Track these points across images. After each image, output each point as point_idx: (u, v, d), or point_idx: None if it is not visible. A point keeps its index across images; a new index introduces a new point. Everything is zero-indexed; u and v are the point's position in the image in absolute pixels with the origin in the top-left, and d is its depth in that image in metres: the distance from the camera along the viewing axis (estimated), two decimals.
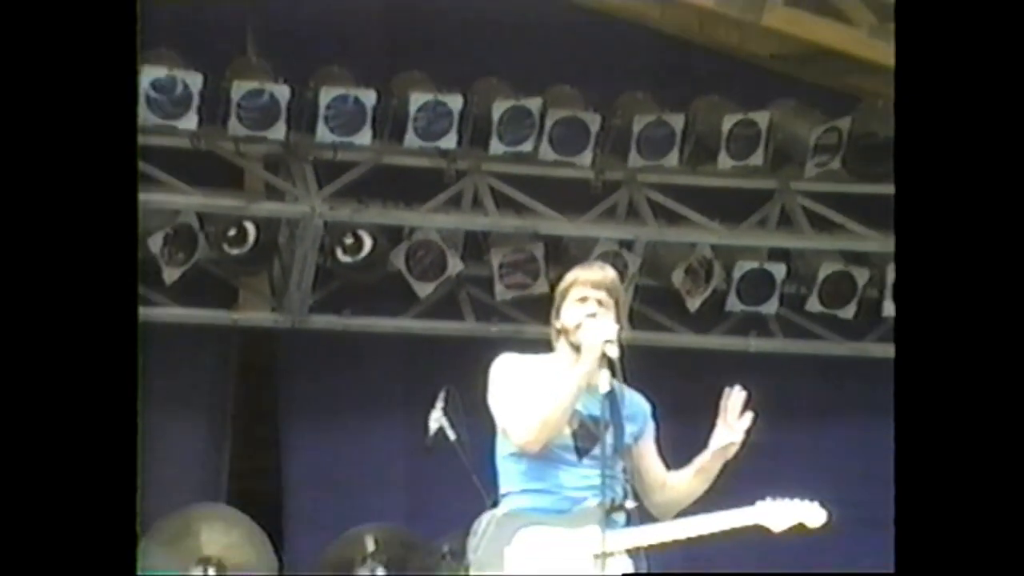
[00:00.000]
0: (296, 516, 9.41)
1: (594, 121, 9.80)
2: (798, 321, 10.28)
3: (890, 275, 10.10)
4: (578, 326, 5.97)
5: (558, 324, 6.06)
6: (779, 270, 10.05)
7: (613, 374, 5.86)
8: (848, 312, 10.19)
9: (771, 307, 10.06)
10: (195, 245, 9.35)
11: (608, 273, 6.16)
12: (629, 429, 5.98)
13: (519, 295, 9.71)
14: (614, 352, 5.87)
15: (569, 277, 6.17)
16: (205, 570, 7.98)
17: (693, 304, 10.01)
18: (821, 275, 10.10)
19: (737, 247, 10.10)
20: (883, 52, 9.51)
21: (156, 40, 9.16)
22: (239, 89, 9.22)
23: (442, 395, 7.35)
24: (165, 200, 9.26)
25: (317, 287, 9.63)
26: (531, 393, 5.97)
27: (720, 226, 10.04)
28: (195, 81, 9.17)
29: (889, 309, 10.15)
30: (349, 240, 9.53)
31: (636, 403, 6.07)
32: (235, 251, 9.51)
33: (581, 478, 5.95)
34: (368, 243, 9.61)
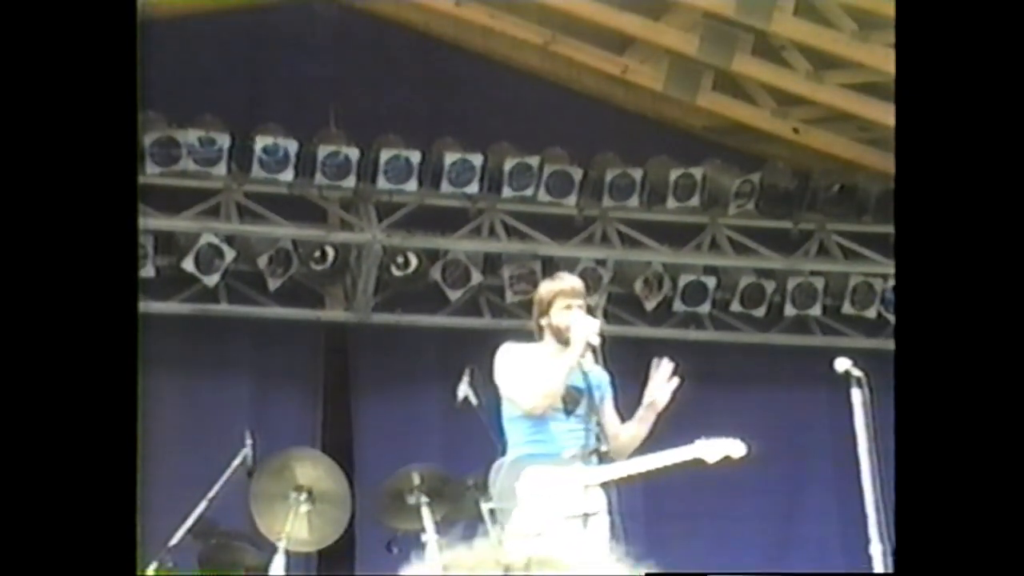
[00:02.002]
0: (364, 457, 9.40)
1: (577, 173, 9.81)
2: (724, 318, 10.27)
3: (790, 284, 10.15)
4: (568, 326, 6.14)
5: (544, 322, 6.25)
6: (711, 281, 10.05)
7: (595, 357, 6.12)
8: (760, 312, 10.20)
9: (705, 308, 10.12)
10: (291, 263, 9.38)
11: (579, 284, 6.43)
12: (597, 394, 6.20)
13: (523, 299, 9.52)
14: (596, 340, 6.09)
15: (552, 289, 6.34)
16: (299, 494, 7.79)
17: (649, 305, 10.03)
18: (741, 285, 10.10)
19: (681, 264, 10.06)
20: (782, 127, 9.93)
21: (266, 117, 9.38)
22: (323, 151, 9.30)
23: (467, 372, 7.27)
24: (269, 231, 9.36)
25: (378, 293, 9.62)
26: (535, 372, 6.13)
27: (668, 249, 10.07)
28: (292, 146, 9.22)
29: (789, 310, 10.22)
30: (400, 260, 9.59)
31: (600, 376, 6.29)
32: (319, 268, 9.51)
33: (568, 431, 6.17)
34: (414, 262, 9.61)
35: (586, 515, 6.05)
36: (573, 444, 6.11)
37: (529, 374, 6.17)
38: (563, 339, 6.20)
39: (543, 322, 6.30)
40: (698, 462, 6.09)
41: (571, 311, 6.22)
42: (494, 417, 6.49)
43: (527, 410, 6.15)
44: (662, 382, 6.20)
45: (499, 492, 6.16)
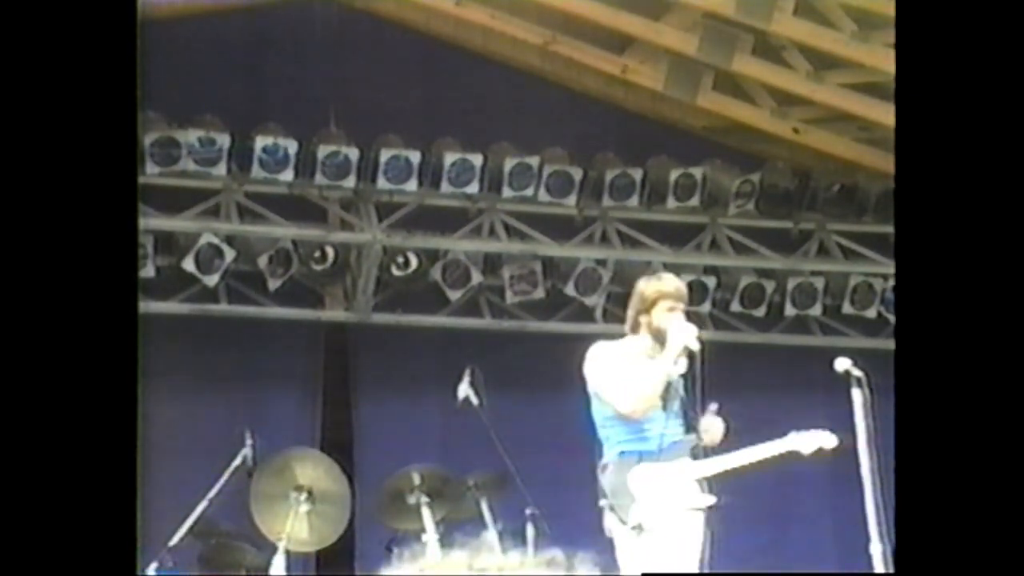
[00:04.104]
0: (364, 457, 9.39)
1: (577, 173, 9.82)
2: (724, 318, 10.27)
3: (790, 284, 10.16)
4: (667, 329, 6.23)
5: (644, 320, 6.32)
6: (711, 281, 10.07)
7: (692, 363, 6.19)
8: (760, 312, 10.24)
9: (705, 308, 10.04)
10: (291, 263, 9.37)
11: (683, 288, 6.50)
12: (683, 387, 6.32)
13: (523, 299, 9.82)
14: (695, 346, 6.19)
15: (658, 289, 6.39)
16: (299, 494, 7.83)
17: None
18: (741, 285, 10.13)
19: (680, 264, 9.86)
20: (782, 127, 9.95)
21: (266, 118, 9.37)
22: (323, 151, 9.30)
23: (467, 372, 7.55)
24: (269, 231, 9.36)
25: (378, 293, 9.63)
26: (632, 374, 6.18)
27: (668, 249, 10.07)
28: (292, 146, 9.23)
29: (789, 310, 10.22)
30: (400, 260, 9.61)
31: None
32: (319, 268, 9.50)
33: (666, 425, 6.22)
34: (414, 262, 9.62)
35: (708, 508, 6.21)
36: (672, 437, 6.20)
37: (626, 377, 6.21)
38: (662, 339, 6.25)
39: (643, 319, 6.35)
40: (793, 454, 6.18)
41: (673, 314, 6.28)
42: (495, 416, 6.62)
43: (626, 414, 6.20)
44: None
45: (612, 489, 6.20)
